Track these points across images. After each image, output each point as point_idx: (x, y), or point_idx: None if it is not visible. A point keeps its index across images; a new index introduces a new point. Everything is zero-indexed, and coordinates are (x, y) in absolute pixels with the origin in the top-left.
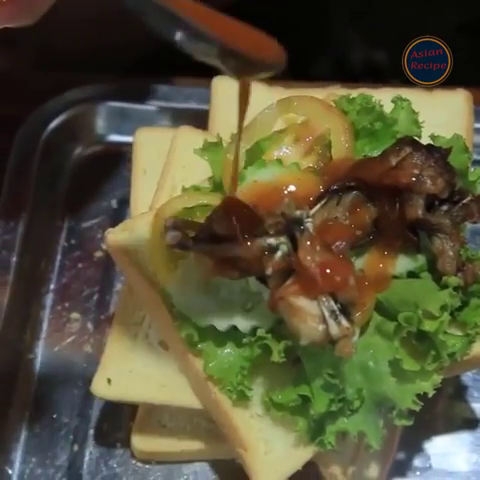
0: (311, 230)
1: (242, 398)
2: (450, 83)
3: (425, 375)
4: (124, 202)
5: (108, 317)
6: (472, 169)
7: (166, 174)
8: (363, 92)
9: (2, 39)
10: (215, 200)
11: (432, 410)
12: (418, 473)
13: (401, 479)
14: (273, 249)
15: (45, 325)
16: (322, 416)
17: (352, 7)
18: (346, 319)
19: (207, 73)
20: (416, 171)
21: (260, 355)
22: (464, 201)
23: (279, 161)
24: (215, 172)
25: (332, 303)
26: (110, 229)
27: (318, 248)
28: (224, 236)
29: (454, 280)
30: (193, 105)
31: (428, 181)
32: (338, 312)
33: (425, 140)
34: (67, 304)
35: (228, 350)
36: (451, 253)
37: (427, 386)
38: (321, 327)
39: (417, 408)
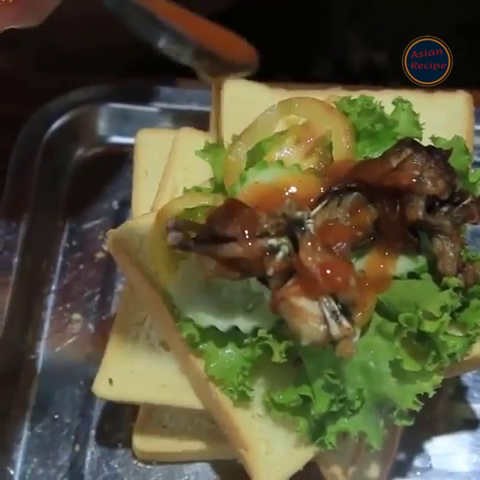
0: (312, 231)
1: (243, 398)
2: (450, 83)
3: (425, 375)
4: (126, 203)
5: (109, 318)
6: (472, 170)
7: (167, 175)
8: (364, 94)
9: (3, 39)
10: (216, 201)
11: (432, 410)
12: (418, 473)
13: (401, 479)
14: (274, 250)
15: (47, 326)
16: (323, 416)
17: (352, 7)
18: (347, 320)
19: None
20: (417, 172)
21: (261, 355)
22: (464, 202)
23: (280, 162)
24: (216, 173)
25: (333, 304)
26: (111, 230)
27: (319, 249)
28: (225, 237)
29: (454, 281)
30: (195, 107)
31: (429, 182)
32: (339, 313)
33: (426, 142)
34: (68, 305)
35: (229, 351)
36: (451, 254)
37: (427, 386)
38: (322, 327)
39: (417, 408)
